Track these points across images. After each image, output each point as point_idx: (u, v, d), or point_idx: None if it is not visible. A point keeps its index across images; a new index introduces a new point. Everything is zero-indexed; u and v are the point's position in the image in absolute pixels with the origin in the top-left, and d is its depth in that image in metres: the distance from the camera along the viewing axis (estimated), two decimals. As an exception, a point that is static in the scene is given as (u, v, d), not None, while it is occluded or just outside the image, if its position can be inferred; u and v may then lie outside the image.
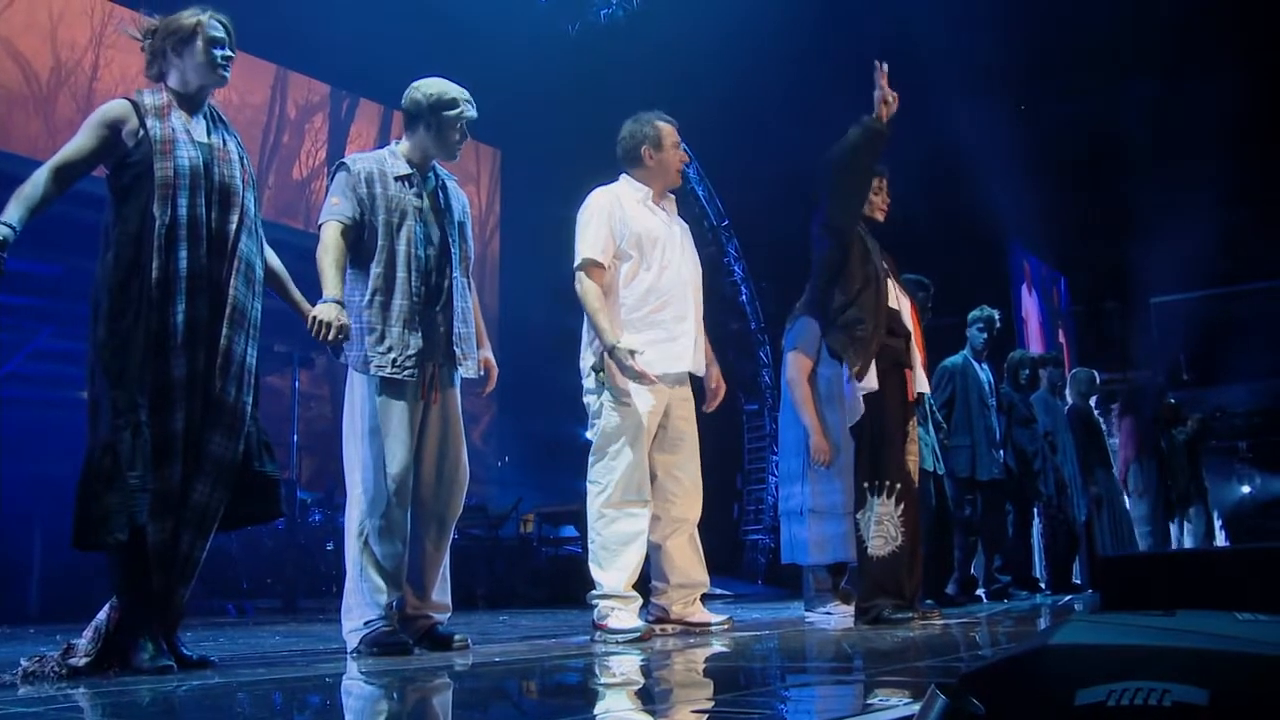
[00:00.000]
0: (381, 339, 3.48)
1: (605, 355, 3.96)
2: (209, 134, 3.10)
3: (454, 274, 3.62)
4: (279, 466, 3.24)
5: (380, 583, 3.44)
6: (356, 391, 3.54)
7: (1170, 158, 12.23)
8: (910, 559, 4.43)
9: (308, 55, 10.59)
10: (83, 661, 2.79)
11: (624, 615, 3.88)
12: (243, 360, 3.03)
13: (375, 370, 3.47)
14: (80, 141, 2.96)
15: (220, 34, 3.11)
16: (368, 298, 3.49)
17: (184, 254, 2.91)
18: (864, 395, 4.40)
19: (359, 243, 3.54)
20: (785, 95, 11.08)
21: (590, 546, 4.01)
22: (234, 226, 3.05)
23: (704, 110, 11.46)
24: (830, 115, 10.62)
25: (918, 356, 4.67)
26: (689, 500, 4.16)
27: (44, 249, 8.22)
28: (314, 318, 3.26)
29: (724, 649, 3.52)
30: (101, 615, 2.87)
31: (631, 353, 3.88)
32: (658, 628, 4.07)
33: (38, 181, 2.88)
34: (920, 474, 4.99)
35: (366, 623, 3.42)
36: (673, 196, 4.32)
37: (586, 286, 3.99)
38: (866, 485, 4.39)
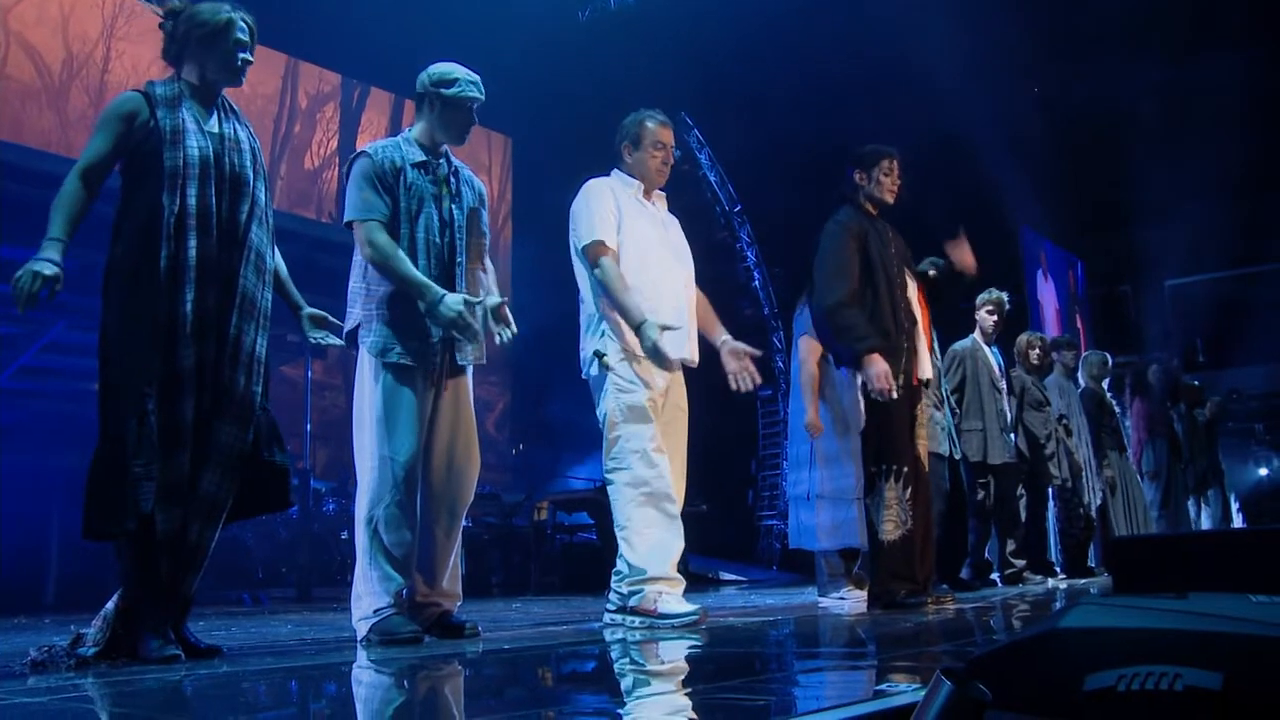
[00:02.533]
0: (403, 333, 3.47)
1: (606, 340, 3.93)
2: (220, 124, 3.09)
3: (460, 260, 3.60)
4: (289, 456, 3.23)
5: (389, 570, 3.43)
6: (366, 379, 3.53)
7: (1185, 139, 12.14)
8: (922, 543, 4.41)
9: (318, 45, 10.58)
10: (91, 651, 2.79)
11: (673, 599, 3.78)
12: (252, 349, 3.03)
13: (398, 357, 3.46)
14: (98, 142, 2.95)
15: (246, 37, 3.10)
16: (392, 290, 3.49)
17: (193, 243, 2.91)
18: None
19: (399, 233, 3.53)
20: (798, 80, 11.03)
21: (620, 534, 3.90)
22: (244, 216, 3.05)
23: (715, 95, 11.46)
24: (843, 100, 10.60)
25: (923, 340, 4.63)
26: (675, 485, 4.04)
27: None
28: (458, 311, 3.35)
29: (736, 635, 3.51)
30: (110, 605, 2.87)
31: (663, 329, 3.84)
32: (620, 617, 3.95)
33: (70, 190, 2.89)
34: (934, 458, 4.95)
35: (376, 611, 3.41)
36: (663, 194, 4.28)
37: (606, 267, 3.94)
38: (874, 470, 4.37)
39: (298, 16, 9.15)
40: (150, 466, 2.80)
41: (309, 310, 3.43)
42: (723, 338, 4.14)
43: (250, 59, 3.12)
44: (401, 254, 3.46)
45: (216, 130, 3.07)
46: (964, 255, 4.83)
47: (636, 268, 4.00)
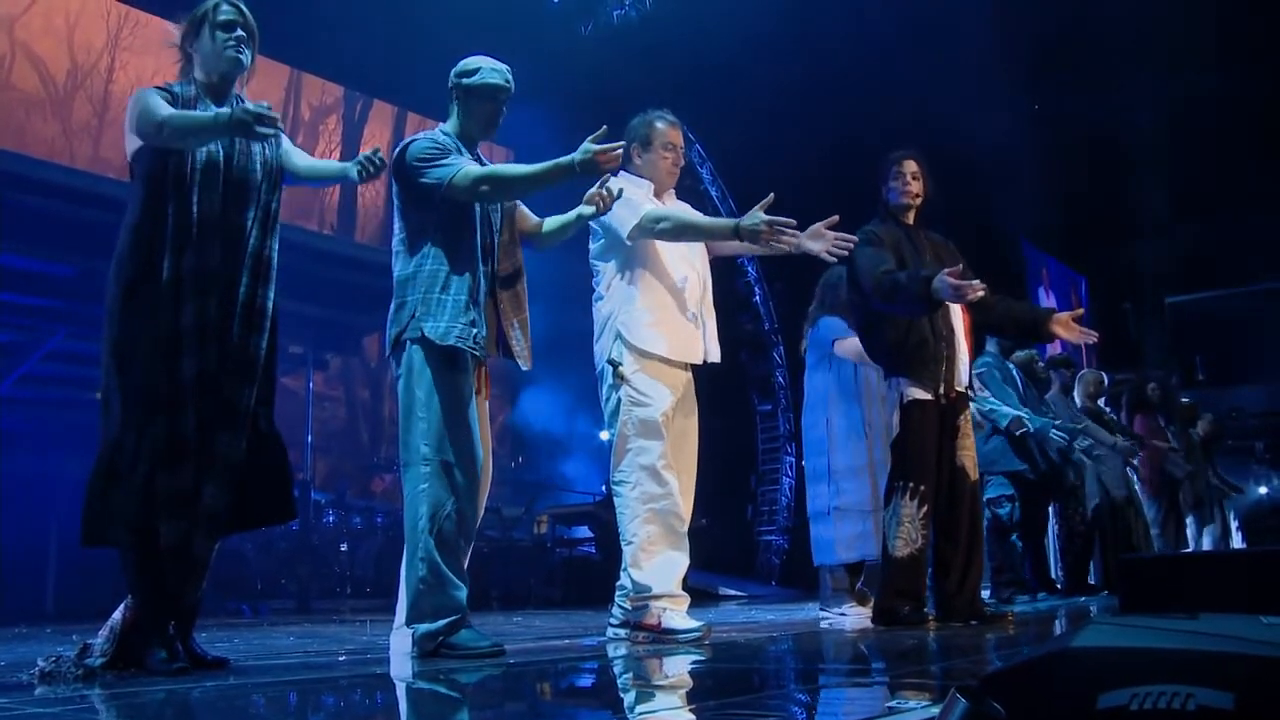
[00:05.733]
0: (464, 311, 3.32)
1: (624, 349, 3.90)
2: None
3: (494, 260, 3.51)
4: (293, 468, 3.21)
5: (455, 578, 3.27)
6: (422, 379, 3.31)
7: (1186, 156, 12.18)
8: (966, 562, 4.38)
9: (321, 57, 10.62)
10: (99, 661, 2.78)
11: (677, 615, 3.76)
12: (255, 359, 3.00)
13: (458, 341, 3.29)
14: (155, 101, 2.90)
15: (230, 16, 3.05)
16: (450, 269, 3.34)
17: (196, 252, 2.88)
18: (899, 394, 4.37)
19: (454, 209, 3.40)
20: (799, 95, 11.06)
21: (626, 548, 3.85)
22: (250, 221, 3.02)
23: (717, 110, 11.49)
24: (846, 114, 10.61)
25: (962, 350, 4.51)
26: (684, 500, 3.99)
27: (57, 250, 8.29)
28: (595, 154, 3.23)
29: (739, 651, 3.51)
30: (116, 615, 2.86)
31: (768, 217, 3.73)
32: (623, 632, 3.91)
33: (170, 113, 2.86)
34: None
35: (450, 624, 3.24)
36: (672, 193, 4.23)
37: (670, 215, 3.91)
38: (895, 484, 4.34)
39: (301, 28, 9.18)
40: (151, 478, 2.79)
41: (357, 160, 3.18)
42: (795, 241, 3.90)
43: (244, 35, 3.06)
44: (510, 165, 3.34)
45: None
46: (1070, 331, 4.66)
47: (653, 269, 3.97)
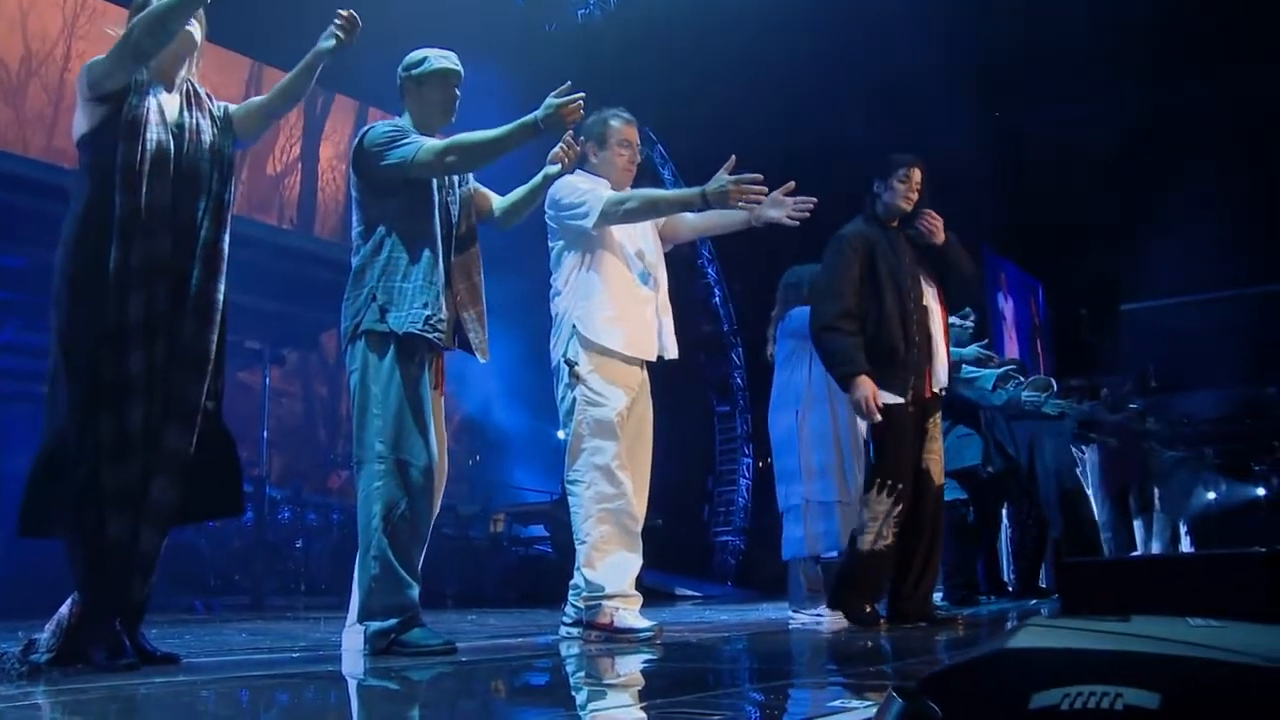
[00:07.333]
0: (422, 295, 3.30)
1: (580, 349, 3.90)
2: (181, 112, 3.03)
3: (453, 250, 3.50)
4: (241, 462, 3.17)
5: (406, 576, 3.26)
6: (378, 375, 3.29)
7: (1143, 166, 12.34)
8: (924, 561, 4.42)
9: (282, 50, 10.50)
10: (44, 657, 2.74)
11: (630, 615, 3.77)
12: (205, 353, 2.96)
13: (411, 326, 3.26)
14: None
15: None
16: (408, 257, 3.33)
17: (144, 243, 2.85)
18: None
19: (412, 196, 3.40)
20: (761, 97, 11.11)
21: (580, 547, 3.86)
22: (200, 213, 2.98)
23: (679, 110, 11.52)
24: (805, 118, 10.65)
25: (940, 351, 4.55)
26: (639, 500, 4.00)
27: (9, 241, 8.17)
28: (557, 108, 3.27)
29: (691, 650, 3.53)
30: (63, 610, 2.82)
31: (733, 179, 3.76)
32: (576, 631, 3.92)
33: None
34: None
35: (402, 622, 3.23)
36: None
37: (634, 195, 3.93)
38: (871, 480, 4.37)
39: (262, 21, 9.10)
40: (95, 471, 2.75)
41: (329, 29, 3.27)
42: (755, 211, 4.00)
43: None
44: (472, 133, 3.36)
45: (177, 119, 3.01)
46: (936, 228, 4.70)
47: (610, 264, 3.97)
